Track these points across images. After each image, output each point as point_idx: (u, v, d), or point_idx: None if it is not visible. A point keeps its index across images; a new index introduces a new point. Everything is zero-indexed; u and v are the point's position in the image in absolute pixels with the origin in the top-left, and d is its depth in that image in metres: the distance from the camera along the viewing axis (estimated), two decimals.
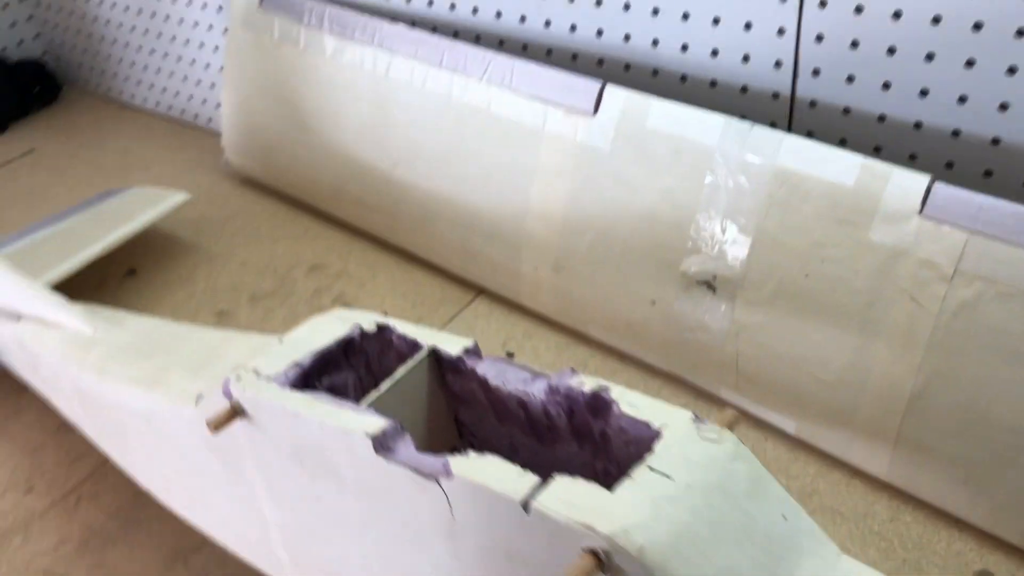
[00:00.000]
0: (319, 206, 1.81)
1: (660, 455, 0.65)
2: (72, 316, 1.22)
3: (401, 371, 0.80)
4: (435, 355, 0.82)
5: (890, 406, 1.14)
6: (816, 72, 1.28)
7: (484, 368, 0.79)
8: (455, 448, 0.87)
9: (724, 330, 1.27)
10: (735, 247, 1.23)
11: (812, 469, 1.24)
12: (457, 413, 0.85)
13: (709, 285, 1.27)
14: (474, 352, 0.81)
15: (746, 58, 1.33)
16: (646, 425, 0.69)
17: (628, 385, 1.35)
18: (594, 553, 0.59)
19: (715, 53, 1.36)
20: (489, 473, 0.65)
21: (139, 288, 1.67)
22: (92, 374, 1.11)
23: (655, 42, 1.41)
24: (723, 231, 1.24)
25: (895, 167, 1.11)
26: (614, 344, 1.44)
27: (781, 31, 1.28)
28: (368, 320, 0.87)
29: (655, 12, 1.39)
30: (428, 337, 0.83)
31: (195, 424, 0.88)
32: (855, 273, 1.14)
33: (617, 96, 1.32)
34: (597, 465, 0.75)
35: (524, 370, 0.78)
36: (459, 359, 0.80)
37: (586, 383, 0.74)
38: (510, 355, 1.46)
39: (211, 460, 0.93)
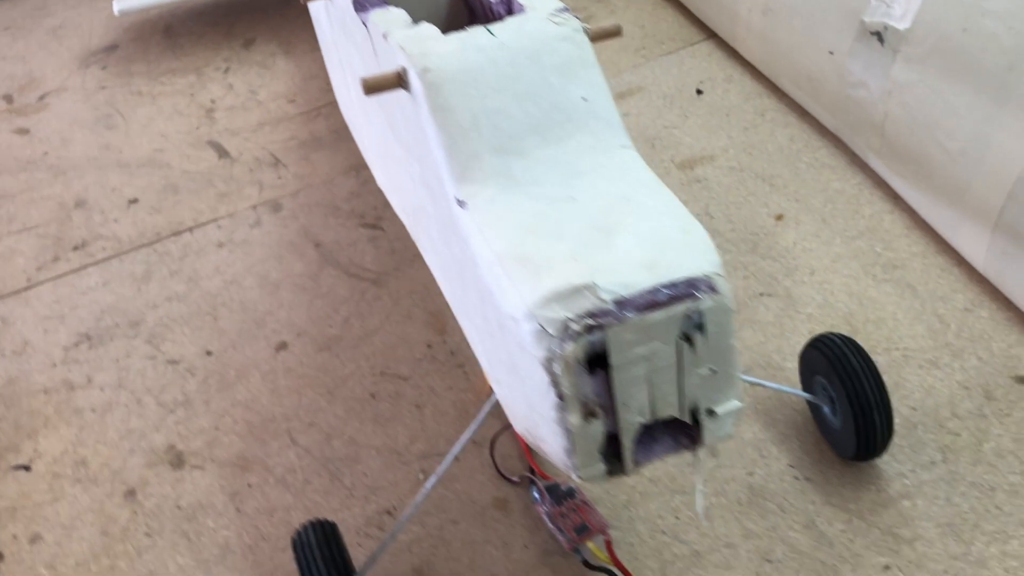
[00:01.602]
0: None
1: (505, 22, 0.73)
2: None
3: None
4: None
5: (998, 184, 1.03)
6: None
7: None
8: None
9: (881, 88, 1.19)
10: None
11: (917, 248, 1.16)
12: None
13: (880, 36, 1.19)
14: None
15: None
16: (521, 7, 0.76)
17: (792, 140, 1.35)
18: (399, 72, 0.71)
19: None
20: (391, 19, 0.78)
21: None
22: None
23: None
24: None
25: None
26: (797, 98, 1.40)
27: None
28: None
29: None
30: None
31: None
32: (1008, 30, 1.01)
33: None
34: None
35: None
36: None
37: None
38: (699, 92, 1.49)
39: (335, 43, 1.14)
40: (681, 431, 0.64)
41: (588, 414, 0.59)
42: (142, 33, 1.93)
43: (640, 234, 0.61)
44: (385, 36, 0.75)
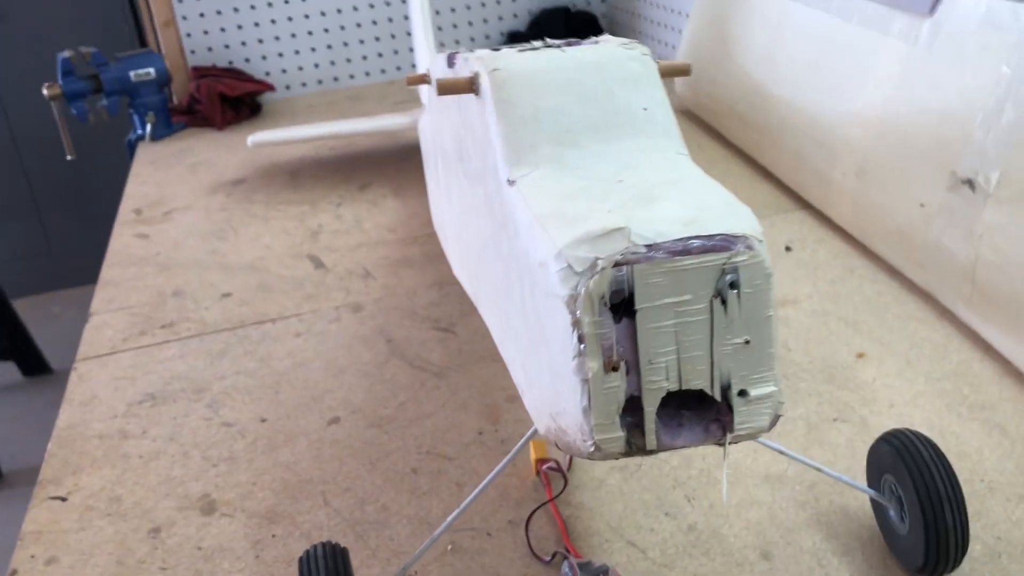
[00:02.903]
0: (715, 126, 1.98)
1: (577, 45, 0.76)
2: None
3: None
4: None
5: None
6: None
7: None
8: None
9: (972, 233, 1.17)
10: (1001, 140, 1.13)
11: (1009, 393, 1.08)
12: None
13: (971, 183, 1.18)
14: None
15: None
16: (595, 42, 0.79)
17: (880, 294, 1.31)
18: (472, 77, 0.74)
19: None
20: (476, 54, 0.83)
21: None
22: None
23: None
24: (998, 125, 1.15)
25: None
26: (886, 256, 1.38)
27: None
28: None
29: None
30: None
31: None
32: None
33: None
34: None
35: None
36: None
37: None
38: (788, 249, 1.48)
39: (432, 137, 1.19)
40: (712, 420, 0.59)
41: (610, 365, 0.56)
42: (269, 172, 2.08)
43: (682, 202, 0.60)
44: (466, 59, 0.80)
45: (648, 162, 0.68)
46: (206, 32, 2.61)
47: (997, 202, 1.13)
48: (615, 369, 0.56)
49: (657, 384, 0.57)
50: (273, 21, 2.64)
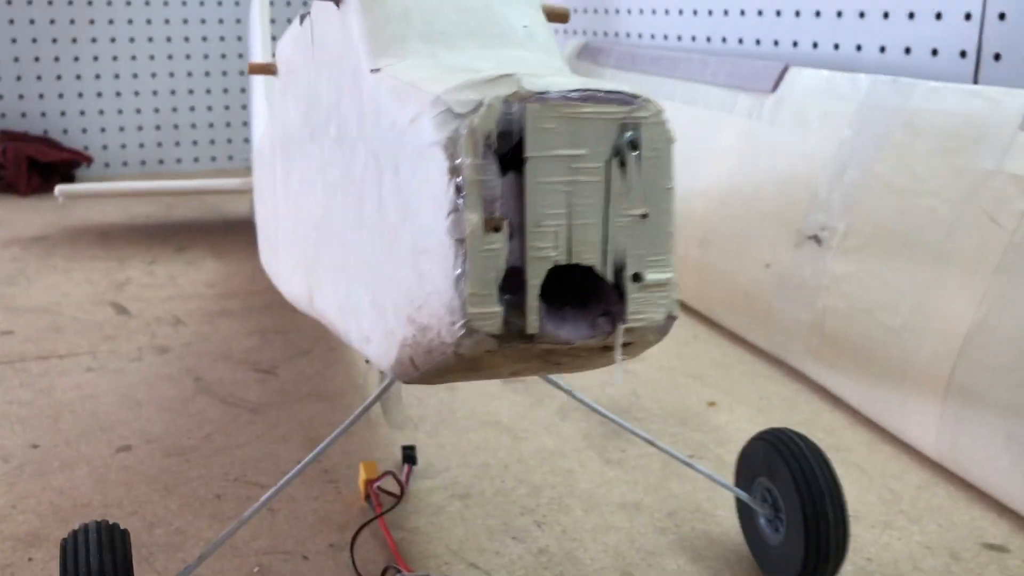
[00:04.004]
0: None
1: None
2: None
3: None
4: None
5: (945, 347, 0.96)
6: (998, 57, 1.19)
7: None
8: None
9: (819, 285, 1.16)
10: (846, 195, 1.15)
11: (862, 438, 1.05)
12: None
13: (817, 238, 1.19)
14: None
15: (935, 52, 1.28)
16: None
17: (725, 355, 1.28)
18: None
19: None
20: None
21: None
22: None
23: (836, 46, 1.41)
24: (842, 182, 1.17)
25: (1008, 89, 1.00)
26: (730, 323, 1.36)
27: (968, 16, 1.22)
28: None
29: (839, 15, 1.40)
30: None
31: None
32: (944, 201, 1.01)
33: (796, 73, 1.34)
34: None
35: None
36: None
37: None
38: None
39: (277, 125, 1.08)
40: (600, 314, 0.50)
41: (491, 224, 0.47)
42: (76, 233, 1.89)
43: (572, 77, 0.53)
44: None
45: (530, 66, 0.61)
46: (21, 96, 2.42)
47: (844, 253, 1.14)
48: (497, 230, 0.47)
49: (543, 252, 0.48)
50: (99, 94, 2.49)
